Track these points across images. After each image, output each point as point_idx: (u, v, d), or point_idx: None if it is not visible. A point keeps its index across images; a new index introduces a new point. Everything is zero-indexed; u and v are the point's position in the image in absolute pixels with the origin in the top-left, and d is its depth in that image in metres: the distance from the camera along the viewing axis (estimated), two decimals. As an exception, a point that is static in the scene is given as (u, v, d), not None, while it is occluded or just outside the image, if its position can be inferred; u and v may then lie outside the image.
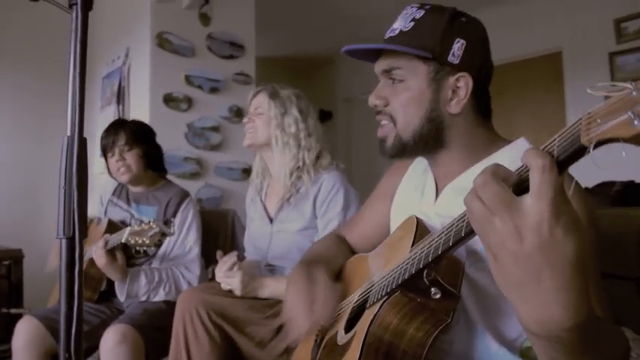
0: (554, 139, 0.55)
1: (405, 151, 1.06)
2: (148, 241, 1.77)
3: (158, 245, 1.82)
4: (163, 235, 1.79)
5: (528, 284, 0.54)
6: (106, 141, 2.15)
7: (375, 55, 1.10)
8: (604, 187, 2.69)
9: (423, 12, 1.03)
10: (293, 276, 1.23)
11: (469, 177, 1.05)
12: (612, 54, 4.04)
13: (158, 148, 2.30)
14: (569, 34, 4.28)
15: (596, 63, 4.10)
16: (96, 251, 1.87)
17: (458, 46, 1.00)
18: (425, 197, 1.15)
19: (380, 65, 1.08)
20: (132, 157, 2.13)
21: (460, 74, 1.01)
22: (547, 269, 0.53)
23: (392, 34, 1.05)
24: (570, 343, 0.57)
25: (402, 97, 1.04)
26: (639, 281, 1.37)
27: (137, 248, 1.83)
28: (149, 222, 1.80)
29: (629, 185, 2.70)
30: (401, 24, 1.04)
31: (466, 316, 1.00)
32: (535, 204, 0.53)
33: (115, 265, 1.89)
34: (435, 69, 1.01)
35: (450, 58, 1.00)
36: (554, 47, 4.41)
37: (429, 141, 1.05)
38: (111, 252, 1.89)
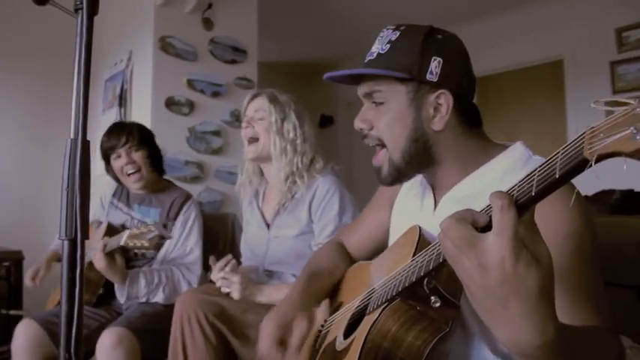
0: (558, 153, 0.56)
1: (401, 174, 1.08)
2: (147, 244, 1.77)
3: (157, 248, 1.81)
4: (162, 238, 1.79)
5: (497, 311, 0.60)
6: (109, 143, 2.13)
7: (359, 79, 1.11)
8: (603, 196, 2.70)
9: (398, 33, 1.03)
10: (286, 296, 1.26)
11: (464, 188, 1.06)
12: (613, 63, 4.05)
13: (159, 149, 2.31)
14: (571, 42, 4.30)
15: (597, 72, 4.12)
16: (95, 254, 1.87)
17: (435, 64, 1.00)
18: (424, 207, 1.16)
19: (362, 89, 1.09)
20: (140, 158, 2.14)
21: (440, 91, 1.02)
22: (512, 299, 0.58)
23: (371, 58, 1.06)
24: (543, 357, 0.62)
25: (385, 118, 1.05)
26: (638, 289, 1.37)
27: (136, 251, 1.82)
28: (147, 225, 1.80)
29: (629, 194, 2.71)
30: (378, 47, 1.05)
31: (464, 326, 1.01)
32: (496, 241, 0.57)
33: (114, 268, 1.89)
34: (414, 88, 1.02)
35: (429, 77, 1.00)
36: (556, 55, 4.43)
37: (420, 160, 1.06)
38: (110, 255, 1.89)
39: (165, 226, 1.83)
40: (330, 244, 1.50)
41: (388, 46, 1.03)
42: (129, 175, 2.14)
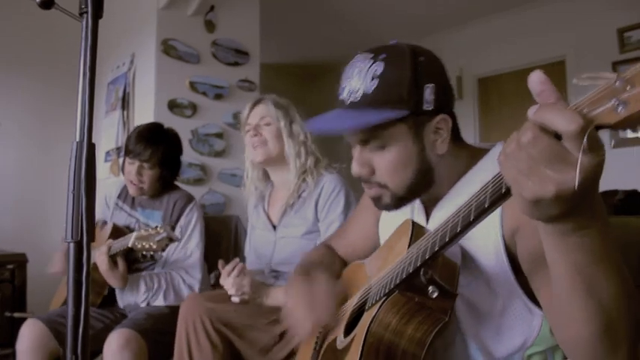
0: None
1: (403, 202, 1.04)
2: (155, 246, 1.79)
3: (164, 250, 1.84)
4: (170, 240, 1.80)
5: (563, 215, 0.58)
6: (134, 147, 2.09)
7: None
8: (606, 196, 2.70)
9: (382, 65, 0.95)
10: (291, 280, 1.23)
11: (454, 195, 1.04)
12: (615, 63, 4.06)
13: (179, 167, 2.28)
14: (573, 43, 4.30)
15: (599, 72, 4.11)
16: (99, 256, 1.88)
17: (428, 92, 0.95)
18: (416, 218, 1.14)
19: (355, 136, 1.01)
20: (149, 177, 2.12)
21: (439, 117, 0.97)
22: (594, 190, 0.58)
23: (354, 99, 0.97)
24: (594, 236, 0.62)
25: (388, 162, 0.99)
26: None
27: (144, 253, 1.84)
28: (156, 227, 1.82)
29: (632, 194, 2.71)
30: (362, 84, 0.96)
31: (461, 334, 1.01)
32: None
33: (115, 272, 1.91)
34: (415, 123, 0.96)
35: (425, 106, 0.95)
36: (558, 56, 4.43)
37: (422, 186, 1.02)
38: (112, 258, 1.90)
39: (173, 228, 1.83)
40: (319, 247, 1.49)
41: (375, 82, 0.94)
42: (130, 181, 2.14)
